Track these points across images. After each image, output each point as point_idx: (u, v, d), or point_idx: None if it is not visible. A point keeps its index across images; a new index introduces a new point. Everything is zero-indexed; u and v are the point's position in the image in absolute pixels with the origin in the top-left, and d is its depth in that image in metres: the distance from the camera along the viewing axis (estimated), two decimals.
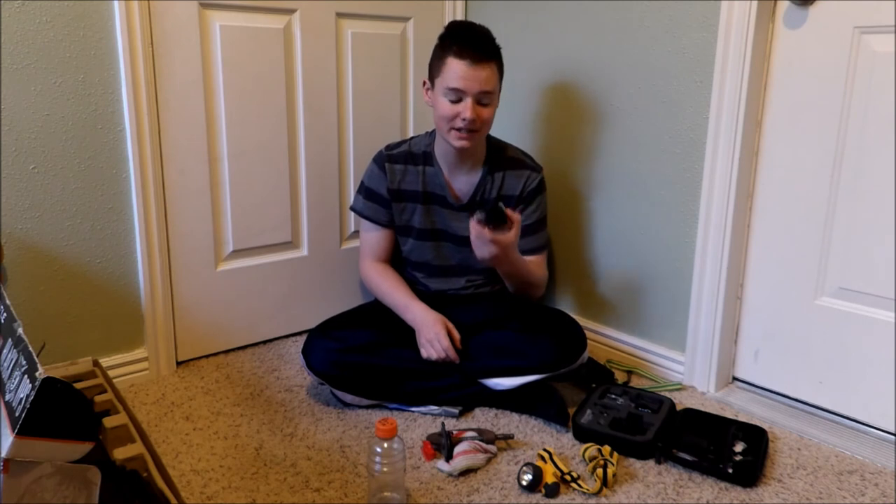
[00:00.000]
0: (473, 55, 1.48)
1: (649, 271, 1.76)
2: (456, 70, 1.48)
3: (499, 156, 1.65)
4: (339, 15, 1.85)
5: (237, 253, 1.81)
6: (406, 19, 1.98)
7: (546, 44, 1.90)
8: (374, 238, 1.71)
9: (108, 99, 1.52)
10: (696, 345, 1.68)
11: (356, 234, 1.96)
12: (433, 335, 1.55)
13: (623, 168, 1.77)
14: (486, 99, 1.52)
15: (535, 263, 1.66)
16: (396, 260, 1.75)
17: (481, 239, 1.45)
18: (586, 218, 1.89)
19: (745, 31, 1.47)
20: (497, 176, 1.64)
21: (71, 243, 1.54)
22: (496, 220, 1.43)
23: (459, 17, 2.07)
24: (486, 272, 1.71)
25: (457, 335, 1.58)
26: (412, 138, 1.71)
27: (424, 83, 1.61)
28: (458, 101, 1.50)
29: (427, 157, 1.65)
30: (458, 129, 1.52)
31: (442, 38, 1.55)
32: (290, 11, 1.76)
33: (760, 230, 1.60)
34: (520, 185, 1.65)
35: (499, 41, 1.53)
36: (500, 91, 1.57)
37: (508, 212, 1.45)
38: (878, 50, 1.37)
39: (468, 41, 1.50)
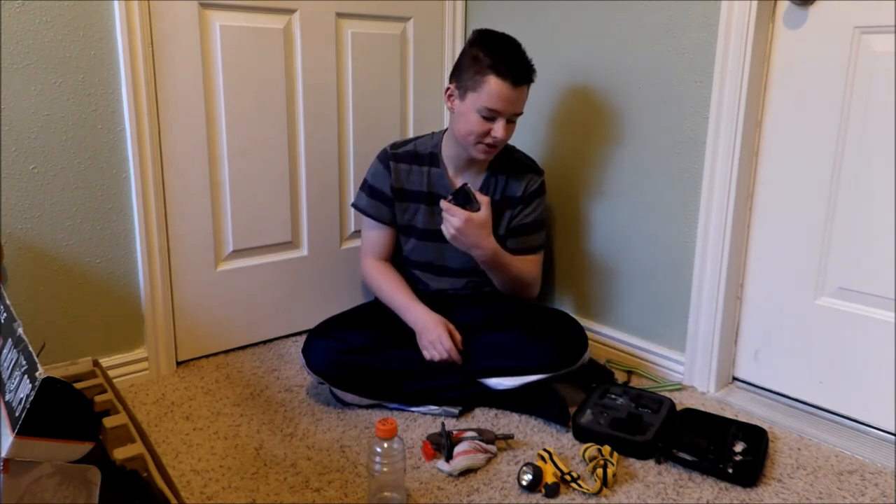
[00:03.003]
0: (516, 77, 1.47)
1: (649, 271, 1.76)
2: (497, 92, 1.46)
3: (503, 158, 1.64)
4: (339, 15, 1.85)
5: (237, 253, 1.81)
6: (406, 19, 1.98)
7: (546, 44, 1.89)
8: (375, 236, 1.70)
9: (108, 99, 1.52)
10: (696, 345, 1.68)
11: (356, 233, 1.96)
12: (435, 337, 1.55)
13: (623, 168, 1.77)
14: (516, 118, 1.53)
15: (527, 262, 1.67)
16: (397, 259, 1.75)
17: (449, 212, 1.49)
18: (586, 218, 1.89)
19: (745, 31, 1.47)
20: (500, 178, 1.65)
21: (71, 243, 1.54)
22: (463, 201, 1.49)
23: (459, 17, 2.07)
24: (486, 273, 1.70)
25: (458, 336, 1.57)
26: (417, 139, 1.70)
27: (448, 90, 1.56)
28: (491, 119, 1.50)
29: (433, 159, 1.65)
30: (486, 144, 1.53)
31: (478, 50, 1.49)
32: (290, 11, 1.76)
33: (760, 230, 1.60)
34: (521, 187, 1.65)
35: None
36: None
37: (477, 194, 1.50)
38: (878, 50, 1.37)
39: (512, 63, 1.47)
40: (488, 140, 1.52)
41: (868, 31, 1.37)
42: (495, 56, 1.47)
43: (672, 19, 1.61)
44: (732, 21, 1.48)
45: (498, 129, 1.50)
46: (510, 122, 1.52)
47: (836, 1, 1.40)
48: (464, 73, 1.51)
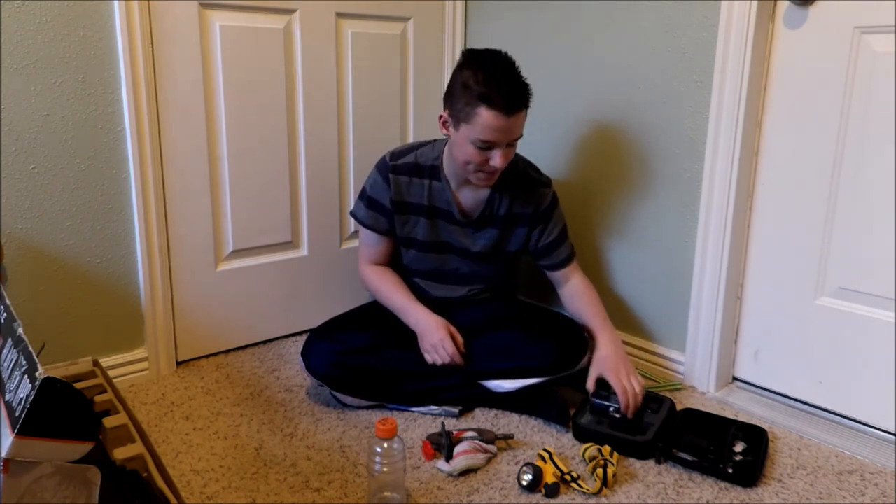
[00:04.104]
0: (509, 107, 1.36)
1: (649, 271, 1.76)
2: (490, 124, 1.37)
3: (508, 172, 1.56)
4: (339, 15, 1.85)
5: (237, 253, 1.81)
6: (406, 19, 1.98)
7: (545, 44, 1.90)
8: (373, 245, 1.68)
9: (108, 99, 1.52)
10: (696, 345, 1.68)
11: (356, 234, 1.96)
12: (437, 340, 1.53)
13: (623, 168, 1.77)
14: (514, 143, 1.45)
15: (580, 284, 1.66)
16: (397, 265, 1.73)
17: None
18: (586, 218, 1.89)
19: (745, 31, 1.47)
20: (506, 193, 1.59)
21: (71, 243, 1.54)
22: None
23: (459, 17, 2.07)
24: (487, 281, 1.70)
25: (460, 339, 1.56)
26: (418, 148, 1.61)
27: (441, 117, 1.48)
28: (487, 148, 1.41)
29: (434, 171, 1.59)
30: (486, 173, 1.47)
31: (468, 76, 1.39)
32: (290, 11, 1.76)
33: (760, 230, 1.60)
34: (531, 204, 1.60)
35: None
36: None
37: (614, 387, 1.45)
38: (878, 50, 1.37)
39: (503, 90, 1.36)
40: (488, 169, 1.45)
41: (868, 31, 1.37)
42: (486, 84, 1.36)
43: (672, 19, 1.61)
44: (732, 21, 1.48)
45: (496, 158, 1.42)
46: (509, 146, 1.44)
47: (836, 1, 1.40)
48: (456, 102, 1.42)
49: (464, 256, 1.65)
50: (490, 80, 1.37)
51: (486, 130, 1.38)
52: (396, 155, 1.61)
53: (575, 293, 1.65)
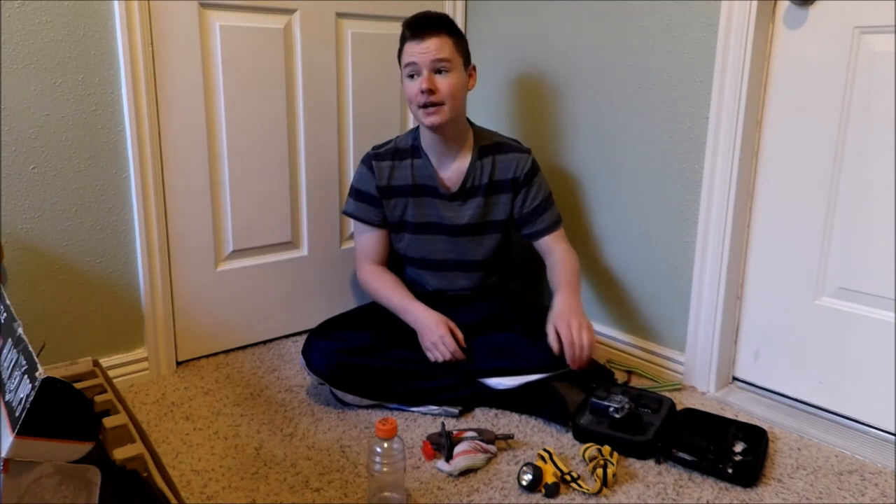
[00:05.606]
0: (419, 30, 1.53)
1: (649, 271, 1.76)
2: (408, 49, 1.55)
3: (485, 142, 1.67)
4: (339, 15, 1.85)
5: (237, 253, 1.81)
6: None
7: (546, 44, 1.90)
8: (368, 240, 1.71)
9: (108, 99, 1.52)
10: (696, 345, 1.68)
11: None
12: (437, 337, 1.55)
13: (623, 168, 1.77)
14: (443, 67, 1.54)
15: (561, 251, 1.67)
16: (394, 262, 1.75)
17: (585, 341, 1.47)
18: (586, 218, 1.89)
19: (745, 31, 1.47)
20: (486, 161, 1.65)
21: (71, 243, 1.54)
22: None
23: (459, 17, 2.07)
24: (485, 266, 1.71)
25: (460, 334, 1.57)
26: (397, 137, 1.72)
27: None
28: (414, 75, 1.55)
29: (414, 150, 1.66)
30: (424, 106, 1.54)
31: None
32: (290, 11, 1.76)
33: (760, 230, 1.60)
34: (511, 169, 1.66)
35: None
36: (464, 62, 1.60)
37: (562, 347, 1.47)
38: (878, 50, 1.37)
39: (414, 22, 1.56)
40: (420, 99, 1.53)
41: (868, 31, 1.37)
42: (404, 27, 1.57)
43: (672, 19, 1.61)
44: (732, 21, 1.48)
45: (422, 81, 1.53)
46: (440, 74, 1.54)
47: (836, 1, 1.40)
48: (399, 61, 1.60)
49: (452, 234, 1.67)
50: (406, 23, 1.58)
51: (406, 56, 1.56)
52: (377, 147, 1.70)
53: (556, 263, 1.66)
